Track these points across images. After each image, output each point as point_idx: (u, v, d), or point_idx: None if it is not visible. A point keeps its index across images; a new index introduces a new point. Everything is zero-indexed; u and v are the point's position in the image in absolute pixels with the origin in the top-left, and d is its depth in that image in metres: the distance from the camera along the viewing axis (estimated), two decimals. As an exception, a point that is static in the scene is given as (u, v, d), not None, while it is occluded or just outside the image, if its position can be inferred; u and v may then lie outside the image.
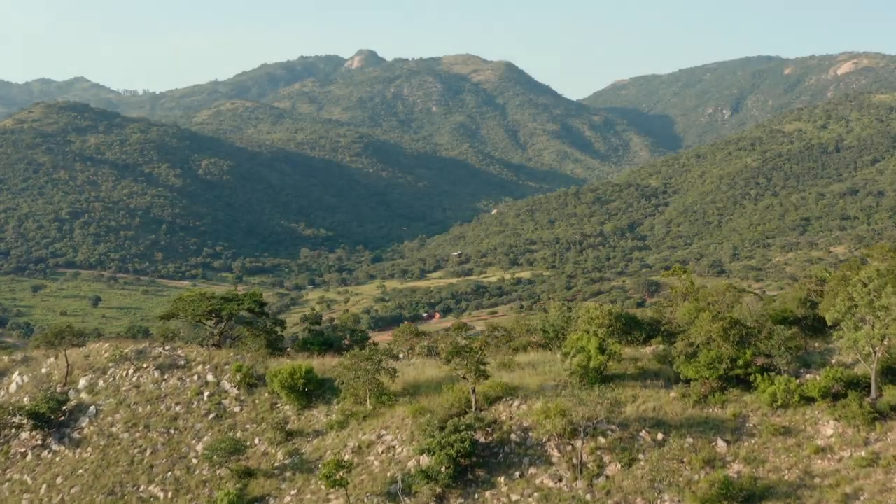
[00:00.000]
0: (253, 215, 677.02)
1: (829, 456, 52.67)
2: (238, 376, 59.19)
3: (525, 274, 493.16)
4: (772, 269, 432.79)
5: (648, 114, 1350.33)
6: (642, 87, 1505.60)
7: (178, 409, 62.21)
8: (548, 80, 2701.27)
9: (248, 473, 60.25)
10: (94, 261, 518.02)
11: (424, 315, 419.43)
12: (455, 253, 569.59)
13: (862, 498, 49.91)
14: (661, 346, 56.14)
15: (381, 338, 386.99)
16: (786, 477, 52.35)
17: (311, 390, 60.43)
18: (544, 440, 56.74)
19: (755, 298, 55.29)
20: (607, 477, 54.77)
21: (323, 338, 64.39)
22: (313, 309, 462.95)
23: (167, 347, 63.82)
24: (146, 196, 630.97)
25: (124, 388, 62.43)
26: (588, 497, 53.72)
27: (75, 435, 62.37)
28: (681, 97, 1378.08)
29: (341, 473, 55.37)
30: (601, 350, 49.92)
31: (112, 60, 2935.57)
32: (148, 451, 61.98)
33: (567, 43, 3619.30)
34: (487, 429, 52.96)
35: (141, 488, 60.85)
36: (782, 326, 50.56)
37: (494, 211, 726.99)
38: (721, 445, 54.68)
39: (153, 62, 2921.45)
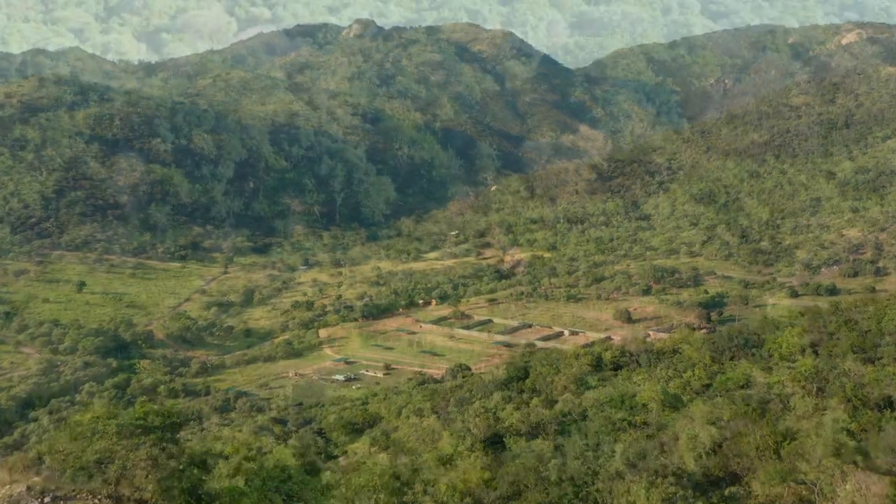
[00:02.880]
0: (246, 191, 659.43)
1: None
2: (133, 564, 41.59)
3: (525, 255, 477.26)
4: (783, 252, 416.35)
5: (650, 83, 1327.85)
6: (644, 56, 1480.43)
7: None
8: (548, 49, 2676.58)
9: None
10: (80, 242, 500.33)
11: (420, 302, 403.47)
12: (453, 233, 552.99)
13: None
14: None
15: (376, 327, 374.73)
16: None
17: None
18: None
19: (868, 475, 38.55)
20: None
21: (261, 482, 46.71)
22: (305, 294, 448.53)
23: (47, 500, 46.83)
24: (136, 172, 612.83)
25: (-20, 573, 44.78)
26: None
27: None
28: (682, 66, 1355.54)
29: None
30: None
31: (108, 29, 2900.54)
32: None
33: (567, 11, 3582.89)
34: None
35: None
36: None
37: (494, 187, 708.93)
38: None
39: (150, 31, 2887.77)
